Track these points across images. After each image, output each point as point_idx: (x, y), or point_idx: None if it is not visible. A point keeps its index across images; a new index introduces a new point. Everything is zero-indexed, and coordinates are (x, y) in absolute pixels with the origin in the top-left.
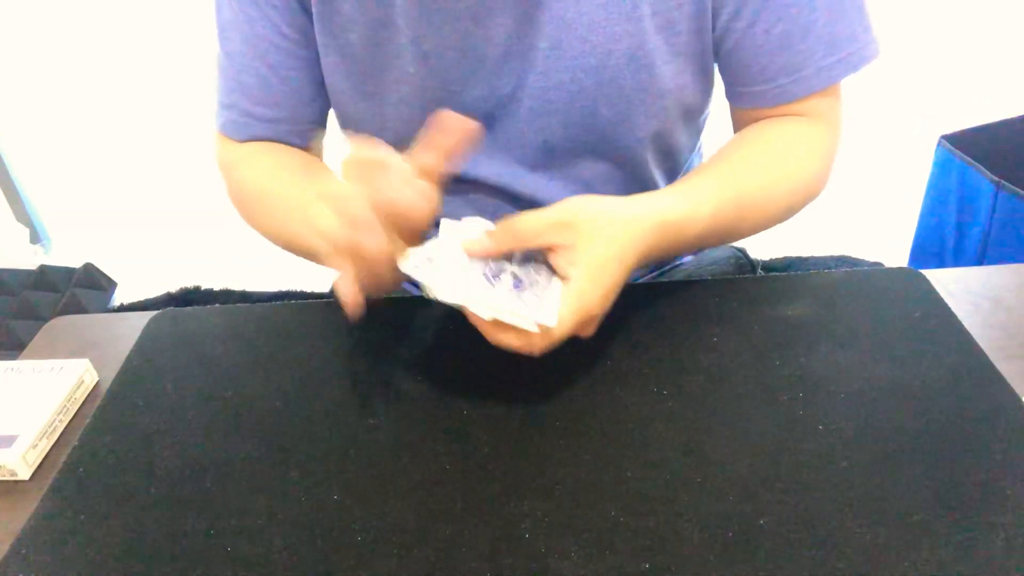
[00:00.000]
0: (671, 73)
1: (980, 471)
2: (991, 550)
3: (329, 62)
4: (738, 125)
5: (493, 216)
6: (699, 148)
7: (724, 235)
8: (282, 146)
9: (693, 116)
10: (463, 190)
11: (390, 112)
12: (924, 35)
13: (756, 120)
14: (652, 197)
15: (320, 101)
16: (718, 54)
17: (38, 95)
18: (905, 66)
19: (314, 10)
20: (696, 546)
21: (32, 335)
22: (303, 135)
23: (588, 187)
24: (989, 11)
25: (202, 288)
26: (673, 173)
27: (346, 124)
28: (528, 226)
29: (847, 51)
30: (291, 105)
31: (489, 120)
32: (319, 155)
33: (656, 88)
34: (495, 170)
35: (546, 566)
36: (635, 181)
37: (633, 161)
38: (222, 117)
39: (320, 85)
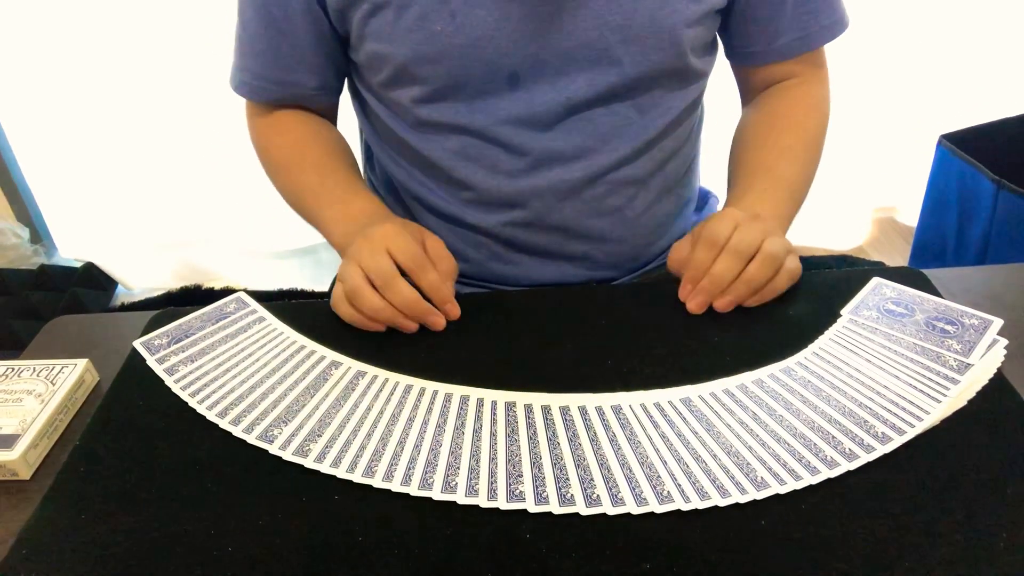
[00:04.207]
0: (691, 35)
1: (980, 471)
2: (991, 550)
3: (359, 19)
4: (744, 83)
5: (511, 172)
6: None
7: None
8: (308, 115)
9: (700, 75)
10: (483, 148)
11: (416, 72)
12: (923, 35)
13: (761, 76)
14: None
15: (330, 70)
16: (730, 15)
17: (41, 95)
18: (905, 66)
19: None
20: (696, 546)
21: (32, 335)
22: (316, 99)
23: (603, 139)
24: (989, 11)
25: (202, 287)
26: (683, 113)
27: (372, 84)
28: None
29: (839, 14)
30: (301, 72)
31: (513, 79)
32: (334, 117)
33: (674, 47)
34: (513, 128)
35: (546, 566)
36: (647, 127)
37: (646, 107)
38: (236, 79)
39: (330, 56)
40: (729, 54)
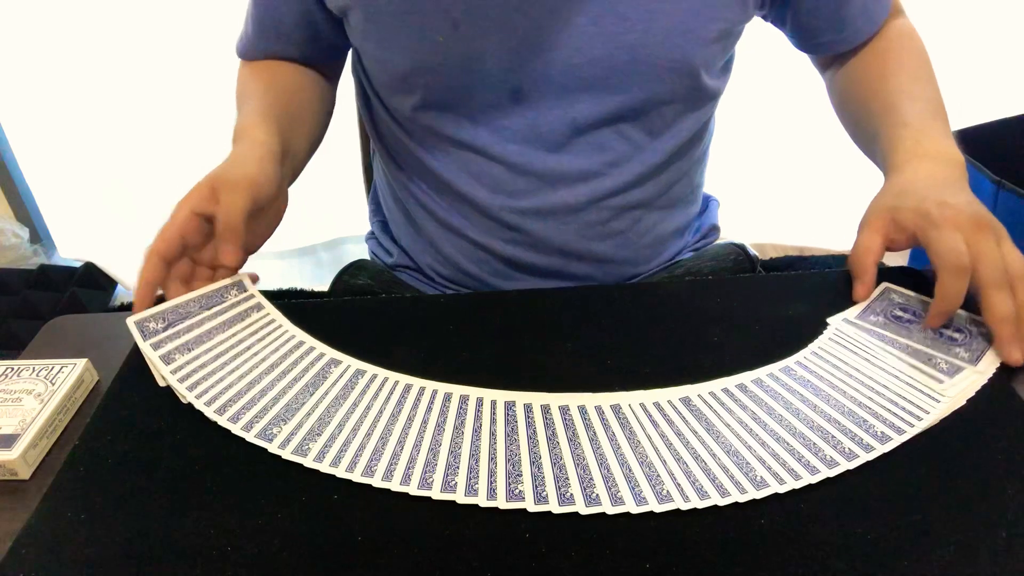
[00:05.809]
0: (706, 55)
1: (980, 471)
2: (991, 550)
3: (357, 21)
4: (824, 67)
5: (514, 192)
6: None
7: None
8: (288, 64)
9: (713, 96)
10: (485, 166)
11: (416, 81)
12: (923, 35)
13: (838, 60)
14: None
15: (340, 56)
16: (786, 18)
17: (41, 96)
18: None
19: None
20: (695, 546)
21: (32, 335)
22: (307, 61)
23: (611, 164)
24: (989, 11)
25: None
26: (694, 140)
27: (373, 84)
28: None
29: None
30: (311, 51)
31: (516, 96)
32: (331, 76)
33: (687, 68)
34: (518, 147)
35: (545, 566)
36: (656, 151)
37: (657, 130)
38: (241, 47)
39: (316, 34)
40: (798, 45)
